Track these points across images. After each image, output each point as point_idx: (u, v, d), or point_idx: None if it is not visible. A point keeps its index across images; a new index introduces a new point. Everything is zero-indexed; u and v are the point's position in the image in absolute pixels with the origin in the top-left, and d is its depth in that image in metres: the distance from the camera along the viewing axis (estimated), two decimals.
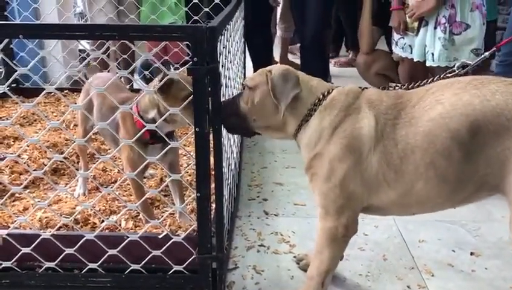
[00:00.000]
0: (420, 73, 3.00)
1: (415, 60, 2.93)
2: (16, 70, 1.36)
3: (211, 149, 1.46)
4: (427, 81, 1.63)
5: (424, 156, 1.38)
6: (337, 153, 1.45)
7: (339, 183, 1.46)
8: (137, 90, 3.56)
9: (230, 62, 2.04)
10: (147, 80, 3.99)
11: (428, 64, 2.84)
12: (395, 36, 3.09)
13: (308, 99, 1.53)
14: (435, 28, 2.77)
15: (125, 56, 3.41)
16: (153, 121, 1.73)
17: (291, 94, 1.49)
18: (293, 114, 1.54)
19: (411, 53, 2.98)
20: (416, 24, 2.87)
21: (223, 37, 1.65)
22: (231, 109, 1.57)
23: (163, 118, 1.54)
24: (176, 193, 2.04)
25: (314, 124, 1.50)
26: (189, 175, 2.39)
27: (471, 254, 2.02)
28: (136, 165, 1.70)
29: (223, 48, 1.70)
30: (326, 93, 1.52)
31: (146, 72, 3.91)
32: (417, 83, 1.64)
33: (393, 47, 3.17)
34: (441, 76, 1.67)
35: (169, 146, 1.50)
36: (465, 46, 2.72)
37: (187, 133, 2.40)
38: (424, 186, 1.42)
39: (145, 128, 1.51)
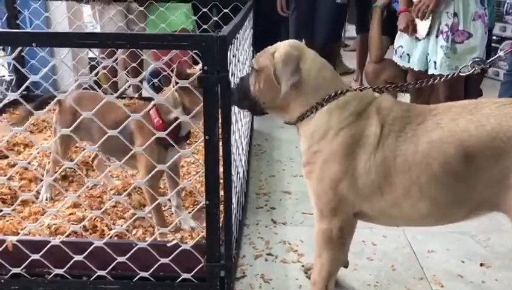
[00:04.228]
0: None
1: (415, 70, 2.94)
2: (27, 78, 1.37)
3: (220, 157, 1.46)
4: (427, 82, 1.65)
5: (420, 175, 1.39)
6: (336, 154, 1.45)
7: (333, 185, 1.46)
8: (146, 99, 3.59)
9: (240, 71, 2.05)
10: (156, 88, 4.02)
11: (430, 72, 2.84)
12: (395, 44, 3.09)
13: (318, 91, 1.50)
14: (437, 36, 2.77)
15: (134, 64, 3.44)
16: (175, 121, 1.75)
17: (289, 82, 1.47)
18: (300, 100, 1.52)
19: (408, 62, 2.98)
20: (428, 24, 2.82)
21: (232, 45, 1.66)
22: (243, 92, 1.58)
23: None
24: (172, 189, 2.05)
25: (321, 120, 1.48)
26: (199, 183, 2.39)
27: (481, 264, 2.00)
28: (155, 173, 1.65)
29: (233, 56, 1.71)
30: (339, 93, 1.49)
31: (155, 80, 3.93)
32: (418, 84, 1.66)
33: (393, 56, 3.17)
34: (455, 74, 1.66)
35: (181, 153, 1.51)
36: (466, 54, 2.72)
37: (196, 141, 2.40)
38: (415, 204, 1.42)
39: (175, 124, 1.55)
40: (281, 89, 1.50)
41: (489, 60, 1.71)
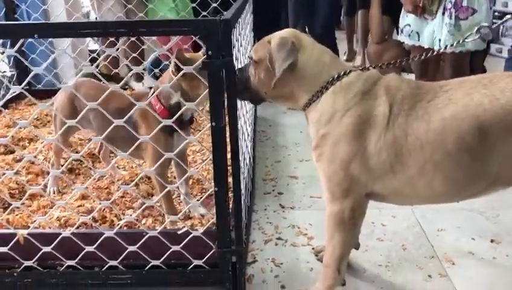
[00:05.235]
0: (430, 60, 2.98)
1: (426, 47, 2.90)
2: (28, 72, 1.36)
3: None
4: (432, 53, 1.65)
5: (434, 153, 1.37)
6: (345, 135, 1.44)
7: (344, 166, 1.45)
8: (148, 88, 3.58)
9: (243, 55, 2.03)
10: (157, 78, 4.00)
11: (436, 50, 2.81)
12: (400, 24, 3.05)
13: (320, 76, 1.50)
14: (443, 13, 2.74)
15: (135, 54, 3.42)
16: (177, 105, 1.77)
17: (283, 65, 1.46)
18: (303, 88, 1.52)
19: (418, 40, 2.94)
20: (435, 6, 2.79)
21: (235, 30, 1.64)
22: (242, 84, 1.57)
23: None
24: (179, 177, 2.05)
25: (326, 103, 1.48)
26: (205, 170, 2.38)
27: (492, 241, 2.00)
28: (163, 161, 1.60)
29: (236, 41, 1.69)
30: (342, 74, 1.49)
31: (156, 70, 3.92)
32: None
33: (398, 35, 3.13)
34: (460, 41, 1.66)
35: (188, 140, 1.50)
36: (471, 31, 2.70)
37: (200, 130, 2.39)
38: (430, 182, 1.41)
39: (180, 111, 1.54)
40: (283, 77, 1.49)
41: (496, 24, 1.69)
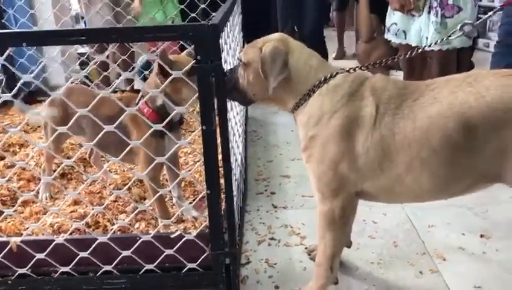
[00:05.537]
0: (417, 58, 3.00)
1: (413, 45, 2.93)
2: (16, 77, 1.36)
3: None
4: (417, 51, 1.66)
5: (420, 151, 1.39)
6: (333, 136, 1.46)
7: (333, 166, 1.47)
8: (138, 91, 3.57)
9: (232, 57, 2.04)
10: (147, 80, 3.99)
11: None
12: (387, 22, 3.07)
13: (307, 79, 1.52)
14: (429, 12, 2.77)
15: (124, 57, 3.42)
16: (163, 106, 1.79)
17: (278, 78, 1.49)
18: (291, 91, 1.54)
19: (405, 38, 2.97)
20: (422, 2, 2.81)
21: (224, 33, 1.65)
22: (231, 84, 1.58)
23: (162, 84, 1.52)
24: (172, 180, 2.05)
25: (314, 106, 1.50)
26: (197, 172, 2.39)
27: (481, 236, 2.03)
28: (155, 164, 1.59)
29: (225, 44, 1.70)
30: (329, 77, 1.51)
31: (146, 72, 3.91)
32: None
33: (385, 34, 3.15)
34: (444, 39, 1.67)
35: (179, 143, 1.51)
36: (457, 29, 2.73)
37: (192, 131, 2.39)
38: (417, 180, 1.43)
39: (171, 116, 1.53)
40: (269, 83, 1.50)
41: (479, 20, 1.71)
